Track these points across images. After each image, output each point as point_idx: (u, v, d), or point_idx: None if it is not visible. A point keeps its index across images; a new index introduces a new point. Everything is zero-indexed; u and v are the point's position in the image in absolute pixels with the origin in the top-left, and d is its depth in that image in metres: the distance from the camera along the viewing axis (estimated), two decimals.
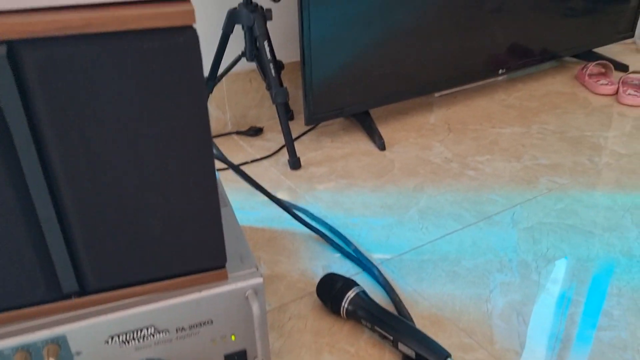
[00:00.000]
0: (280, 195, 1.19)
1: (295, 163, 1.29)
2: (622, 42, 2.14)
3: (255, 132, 1.47)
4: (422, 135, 1.44)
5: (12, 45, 0.48)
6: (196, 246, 0.62)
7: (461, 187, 1.20)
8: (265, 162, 1.34)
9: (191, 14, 0.50)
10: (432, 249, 0.99)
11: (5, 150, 0.51)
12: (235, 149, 1.40)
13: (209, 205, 0.60)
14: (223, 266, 0.65)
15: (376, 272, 0.90)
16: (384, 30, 1.35)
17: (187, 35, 0.51)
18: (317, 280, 0.90)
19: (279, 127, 1.51)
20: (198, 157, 0.57)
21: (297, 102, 1.59)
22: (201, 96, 0.54)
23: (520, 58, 1.70)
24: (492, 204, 1.13)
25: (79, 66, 0.49)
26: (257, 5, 1.26)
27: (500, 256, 0.97)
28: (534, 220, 1.07)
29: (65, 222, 0.57)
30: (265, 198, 1.17)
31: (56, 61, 0.49)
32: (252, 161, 1.34)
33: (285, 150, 1.39)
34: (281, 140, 1.44)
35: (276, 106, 1.27)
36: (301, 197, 1.18)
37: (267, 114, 1.55)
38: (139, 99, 0.52)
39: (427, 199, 1.15)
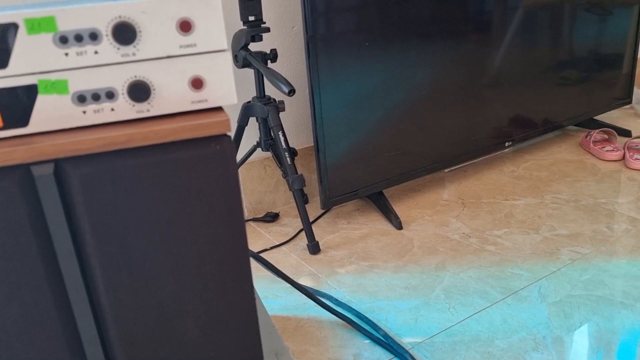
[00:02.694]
0: (302, 281, 1.18)
1: (314, 247, 1.29)
2: (620, 108, 2.19)
3: (272, 217, 1.49)
4: (438, 212, 1.46)
5: (58, 163, 0.50)
6: (233, 348, 0.62)
7: (483, 263, 1.19)
8: (284, 247, 1.34)
9: (227, 123, 0.53)
10: (462, 330, 0.97)
11: (48, 261, 0.52)
12: (253, 236, 1.41)
13: (246, 307, 0.60)
14: None
15: (409, 358, 0.89)
16: (392, 112, 1.40)
17: (223, 142, 0.53)
18: None
19: (295, 212, 1.53)
20: (234, 259, 0.58)
21: (310, 185, 1.61)
22: (237, 199, 0.56)
23: (524, 129, 1.74)
24: (517, 279, 1.12)
25: (120, 178, 0.52)
26: (270, 98, 1.32)
27: (533, 333, 0.95)
28: (562, 293, 1.06)
29: (104, 331, 0.57)
30: (288, 285, 1.16)
31: (99, 175, 0.51)
32: (272, 248, 1.34)
33: (303, 234, 1.39)
34: (298, 225, 1.45)
35: (293, 192, 1.30)
36: (324, 282, 1.17)
37: (282, 199, 1.57)
38: (177, 205, 0.54)
39: (451, 277, 1.15)
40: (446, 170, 1.73)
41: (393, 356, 0.92)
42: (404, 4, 1.33)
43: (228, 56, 0.54)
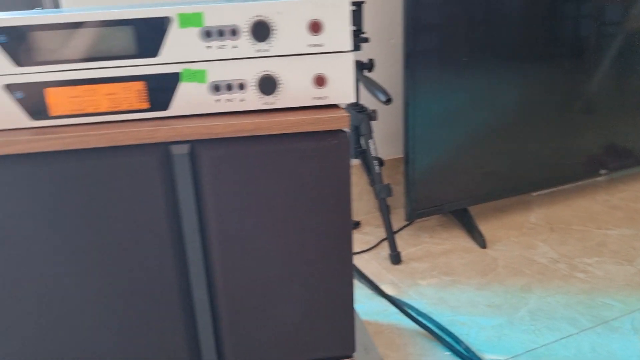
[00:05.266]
0: (383, 289, 1.19)
1: (396, 257, 1.30)
2: None
3: (353, 225, 1.51)
4: (524, 234, 1.42)
5: (194, 145, 0.55)
6: (329, 334, 0.64)
7: (572, 290, 1.15)
8: (365, 255, 1.36)
9: (345, 119, 0.56)
10: (547, 353, 0.95)
11: (174, 234, 0.57)
12: None
13: (345, 296, 0.63)
14: (351, 355, 0.66)
15: None
16: (483, 129, 1.39)
17: (340, 137, 0.57)
18: None
19: (376, 221, 1.55)
20: (338, 250, 0.61)
21: (394, 196, 1.62)
22: (347, 192, 0.59)
23: (621, 159, 1.67)
24: (608, 309, 1.07)
25: (245, 163, 0.56)
26: (363, 106, 1.35)
27: None
28: None
29: (215, 304, 0.61)
30: (369, 291, 1.18)
31: (227, 158, 0.56)
32: (353, 254, 1.36)
33: (384, 244, 1.41)
34: (379, 234, 1.47)
35: (379, 201, 1.31)
36: (404, 292, 1.18)
37: (364, 208, 1.59)
38: (292, 192, 0.58)
39: (537, 300, 1.12)
40: (534, 194, 1.69)
41: None
42: (503, 25, 1.33)
43: (351, 57, 0.57)
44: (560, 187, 1.72)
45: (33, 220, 0.54)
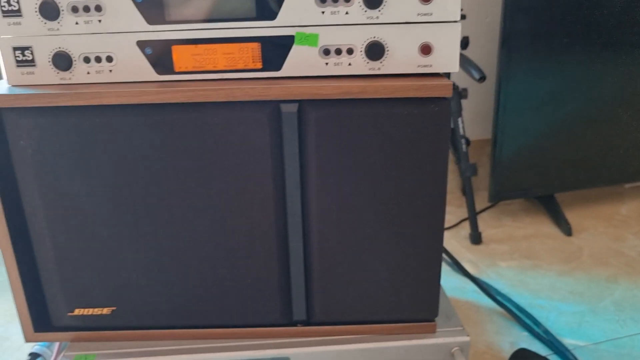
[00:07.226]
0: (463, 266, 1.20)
1: (476, 237, 1.30)
2: None
3: None
4: (613, 226, 1.37)
5: (302, 104, 0.59)
6: (413, 296, 0.67)
7: None
8: (446, 233, 1.36)
9: (449, 87, 0.58)
10: (632, 344, 0.93)
11: (278, 187, 0.62)
12: None
13: (433, 260, 0.65)
14: (433, 320, 0.69)
15: (571, 357, 0.87)
16: (577, 114, 1.34)
17: (442, 105, 0.58)
18: (505, 355, 0.89)
19: (457, 201, 1.54)
20: (431, 215, 0.63)
21: (477, 178, 1.61)
22: (444, 159, 0.60)
23: None
24: None
25: (349, 123, 0.59)
26: (454, 84, 1.34)
27: None
28: None
29: (308, 257, 0.65)
30: (447, 267, 1.19)
31: (332, 118, 0.59)
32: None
33: (465, 224, 1.40)
34: (460, 214, 1.46)
35: (463, 180, 1.31)
36: (483, 271, 1.18)
37: (447, 187, 1.59)
38: (390, 155, 0.60)
39: (623, 292, 1.09)
40: (627, 185, 1.61)
41: (552, 352, 0.91)
42: (608, 6, 1.26)
43: (458, 27, 0.59)
44: None
45: (152, 165, 0.60)
